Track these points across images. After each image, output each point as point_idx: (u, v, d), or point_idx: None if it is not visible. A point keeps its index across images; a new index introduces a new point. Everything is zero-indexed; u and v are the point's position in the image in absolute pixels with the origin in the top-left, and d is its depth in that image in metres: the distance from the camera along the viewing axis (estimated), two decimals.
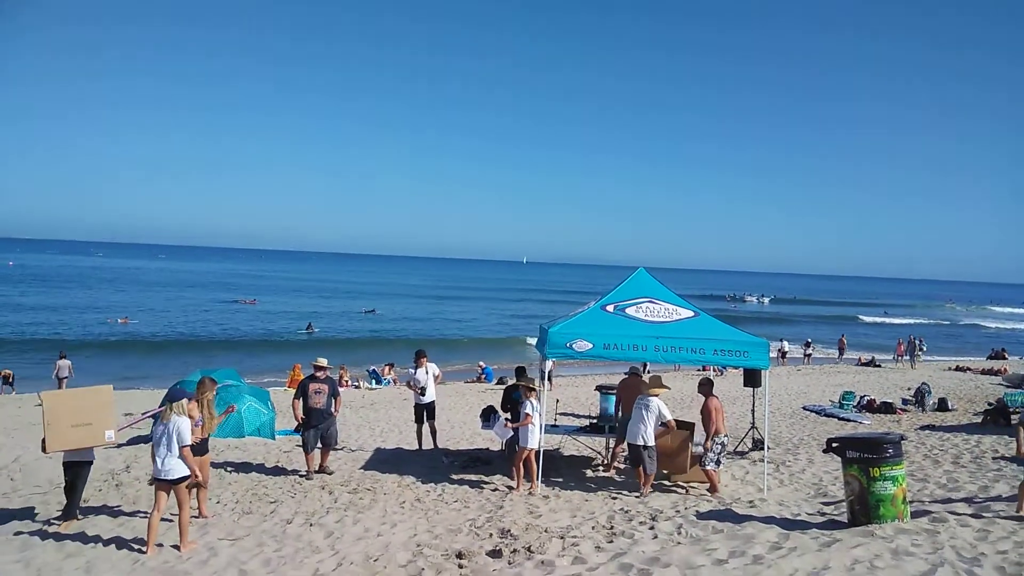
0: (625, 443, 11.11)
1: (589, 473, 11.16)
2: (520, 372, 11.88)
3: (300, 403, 10.50)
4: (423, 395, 12.34)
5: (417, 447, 12.61)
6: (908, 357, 33.20)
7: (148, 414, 12.71)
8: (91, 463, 8.36)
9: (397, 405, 20.01)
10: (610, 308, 10.48)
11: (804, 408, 19.62)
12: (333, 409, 10.66)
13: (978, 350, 43.28)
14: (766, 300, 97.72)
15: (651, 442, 9.60)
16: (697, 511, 8.41)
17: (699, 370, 27.47)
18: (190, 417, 8.11)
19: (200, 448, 8.27)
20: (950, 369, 31.49)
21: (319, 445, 10.60)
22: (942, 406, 19.25)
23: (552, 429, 11.66)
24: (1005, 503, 8.42)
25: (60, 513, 8.32)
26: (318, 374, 10.64)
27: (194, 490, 8.36)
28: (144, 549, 7.12)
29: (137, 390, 24.20)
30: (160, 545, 7.24)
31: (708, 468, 9.67)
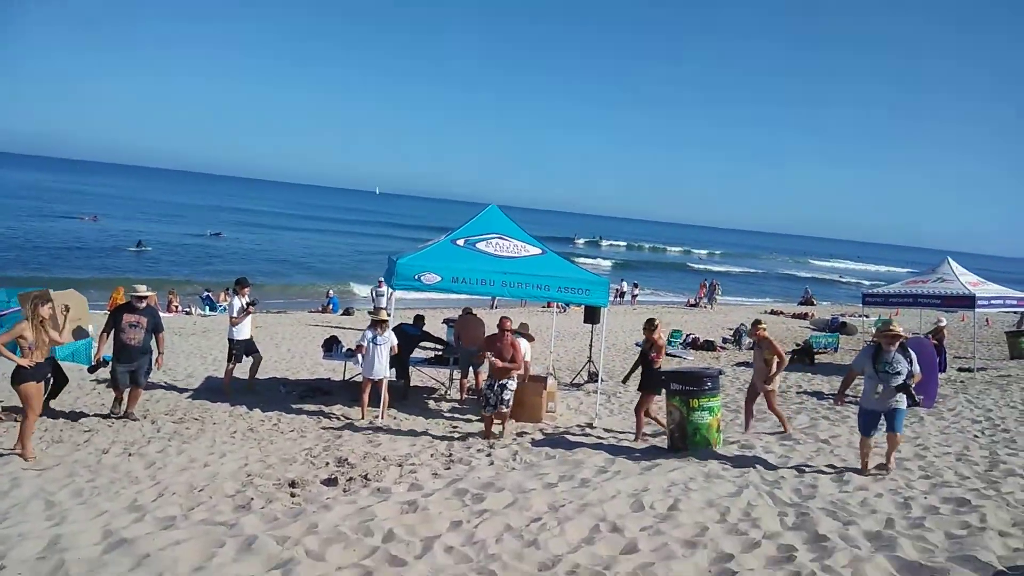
0: (470, 376, 11.31)
1: (432, 404, 11.25)
2: (418, 319, 11.82)
3: (107, 337, 9.04)
4: (250, 313, 10.89)
5: (226, 389, 10.99)
6: (707, 299, 37.38)
7: None
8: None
9: None
10: (460, 242, 10.45)
11: (636, 344, 20.75)
12: (156, 347, 9.19)
13: (793, 296, 47.57)
14: (607, 243, 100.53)
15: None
16: (533, 440, 8.74)
17: (544, 306, 28.30)
18: (22, 339, 7.26)
19: (37, 373, 7.40)
20: (766, 312, 34.48)
21: (129, 385, 9.12)
22: None
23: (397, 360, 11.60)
24: (803, 432, 9.40)
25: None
26: (137, 304, 9.07)
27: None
28: None
29: None
30: None
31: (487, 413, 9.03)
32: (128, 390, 9.16)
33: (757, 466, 7.41)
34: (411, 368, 11.51)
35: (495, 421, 8.97)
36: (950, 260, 17.71)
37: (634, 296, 38.32)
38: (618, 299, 36.41)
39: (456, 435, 8.98)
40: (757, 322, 9.62)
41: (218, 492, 6.32)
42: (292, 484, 6.60)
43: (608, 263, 65.64)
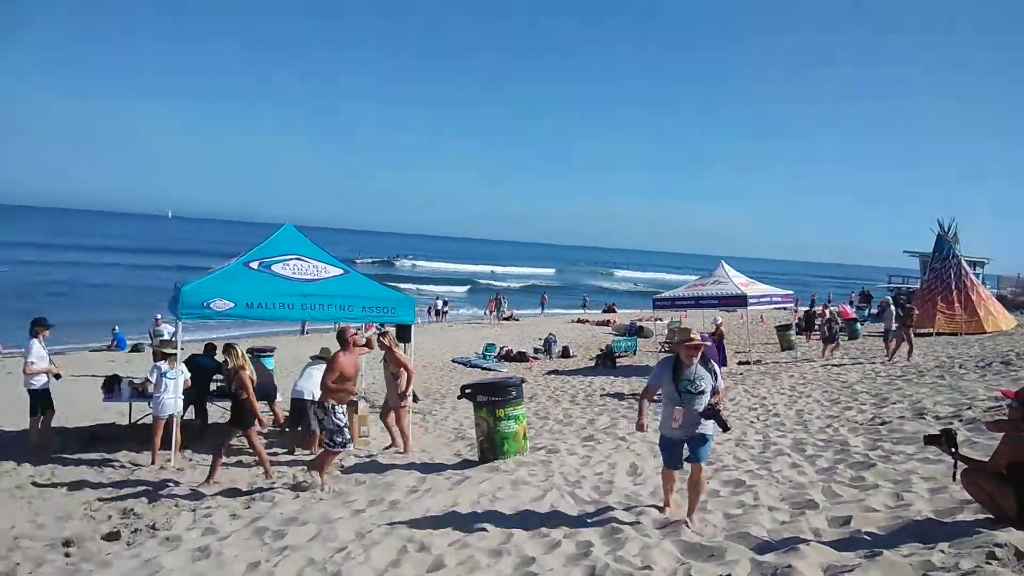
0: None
1: (234, 441, 10.56)
2: (210, 348, 10.76)
3: None
4: (56, 377, 9.85)
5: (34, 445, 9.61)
6: (495, 312, 38.74)
7: None
8: None
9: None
10: (254, 265, 9.95)
11: (453, 360, 21.00)
12: None
13: (598, 305, 50.27)
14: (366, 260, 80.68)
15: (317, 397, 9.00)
16: (342, 466, 8.48)
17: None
18: None
19: None
20: (573, 322, 36.26)
21: None
22: (565, 353, 22.13)
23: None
24: (604, 432, 9.94)
25: None
26: None
27: None
28: None
29: None
30: None
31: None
32: None
33: (562, 469, 7.73)
34: (208, 403, 10.76)
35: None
36: (724, 263, 19.67)
37: (444, 313, 38.44)
38: (433, 317, 36.55)
39: (261, 471, 8.51)
40: (383, 334, 9.05)
41: None
42: (67, 543, 5.91)
43: (429, 287, 62.81)
